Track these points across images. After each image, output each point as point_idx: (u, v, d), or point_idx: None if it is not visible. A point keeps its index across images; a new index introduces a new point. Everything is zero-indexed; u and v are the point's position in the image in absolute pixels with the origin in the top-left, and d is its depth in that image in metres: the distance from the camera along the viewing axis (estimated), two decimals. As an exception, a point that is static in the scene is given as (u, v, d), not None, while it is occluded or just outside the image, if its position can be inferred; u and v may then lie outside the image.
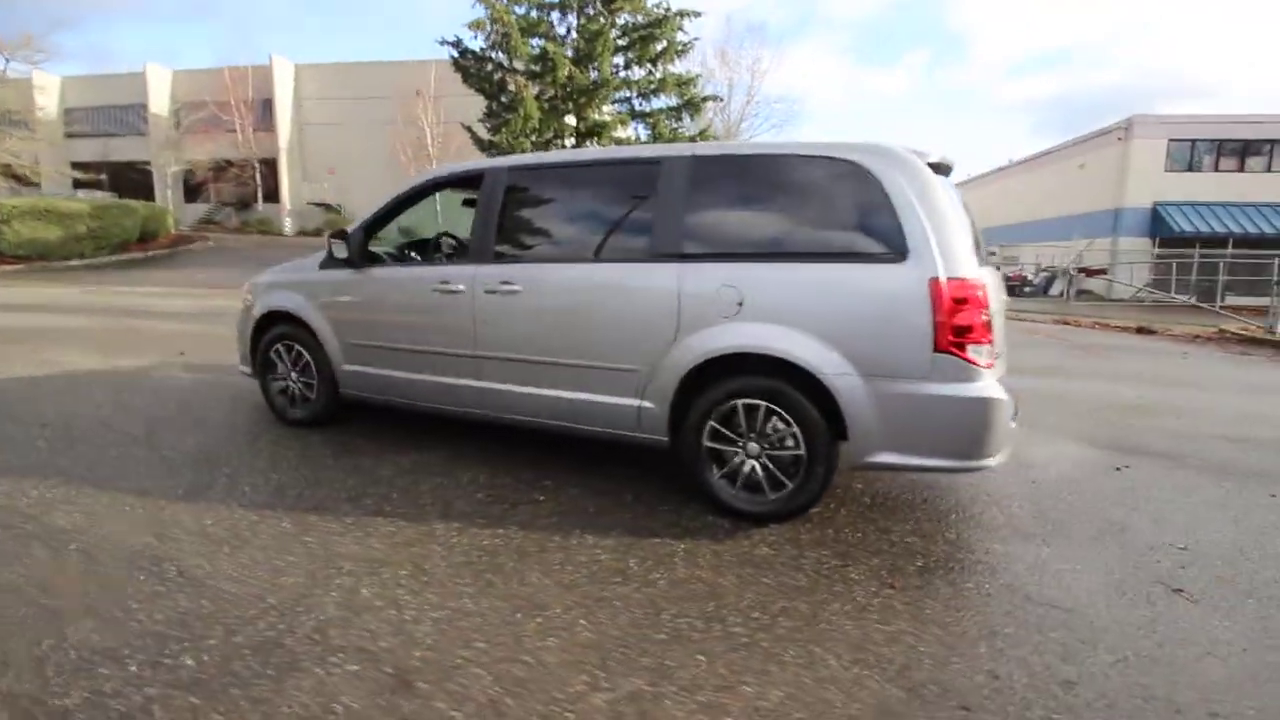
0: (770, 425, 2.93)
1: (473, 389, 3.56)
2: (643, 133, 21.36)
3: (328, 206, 32.11)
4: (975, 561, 2.75)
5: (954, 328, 2.60)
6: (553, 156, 3.49)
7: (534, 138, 19.90)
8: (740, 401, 2.95)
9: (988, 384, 2.65)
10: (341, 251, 3.81)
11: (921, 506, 3.31)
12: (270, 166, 31.88)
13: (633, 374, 3.13)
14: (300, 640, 2.05)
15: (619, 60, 20.65)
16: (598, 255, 3.25)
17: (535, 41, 20.34)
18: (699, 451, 3.06)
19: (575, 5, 19.64)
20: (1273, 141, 22.49)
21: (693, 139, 20.43)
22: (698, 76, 21.10)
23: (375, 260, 3.95)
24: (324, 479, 3.40)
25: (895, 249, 2.70)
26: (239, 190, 31.61)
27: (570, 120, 21.40)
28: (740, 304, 2.89)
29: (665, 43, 20.30)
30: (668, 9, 20.04)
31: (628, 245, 3.21)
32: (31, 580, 2.35)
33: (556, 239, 3.45)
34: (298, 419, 4.25)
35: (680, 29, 20.23)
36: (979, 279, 2.66)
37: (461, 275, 3.52)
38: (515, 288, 3.34)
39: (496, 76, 20.96)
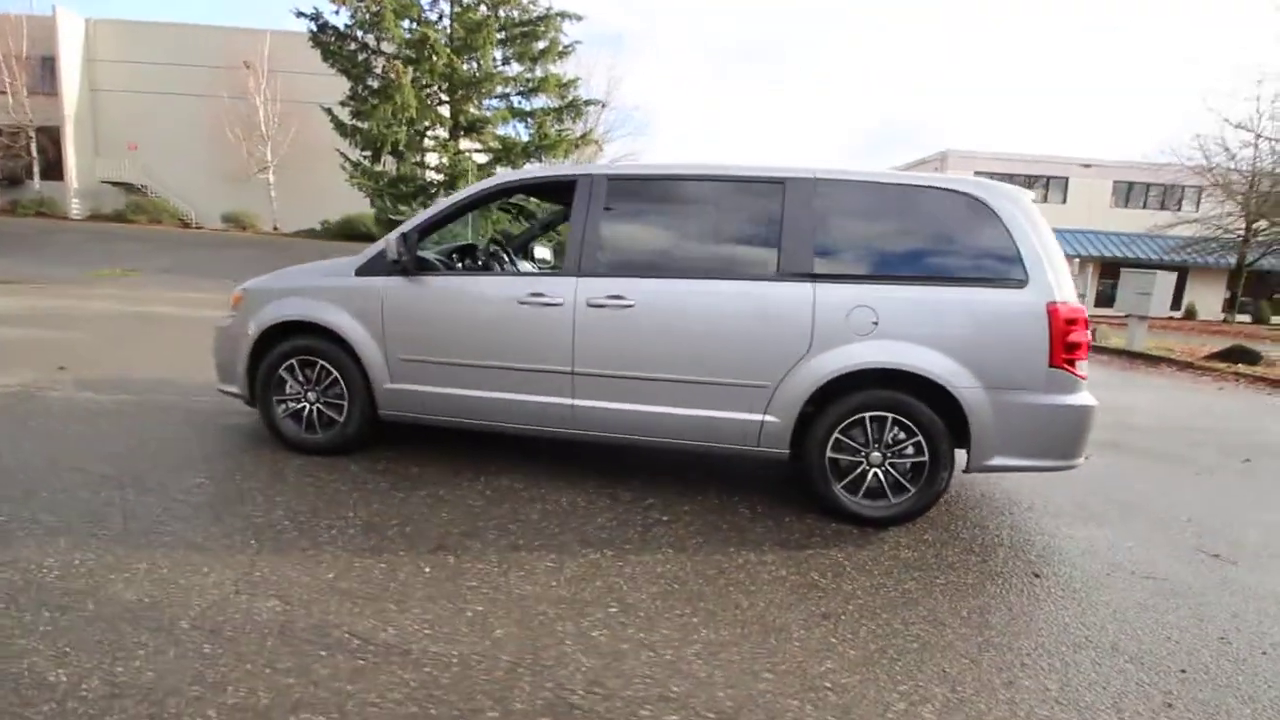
0: (892, 435, 3.14)
1: (564, 407, 3.36)
2: (524, 131, 20.89)
3: (130, 187, 27.44)
4: (1075, 547, 3.16)
5: (1066, 345, 2.98)
6: (659, 168, 3.39)
7: (410, 128, 18.68)
8: (868, 414, 3.12)
9: (1087, 394, 3.07)
10: (394, 254, 3.38)
11: (982, 503, 3.71)
12: (51, 137, 26.57)
13: (759, 390, 3.17)
14: (588, 697, 1.86)
15: (498, 55, 20.01)
16: (720, 272, 3.24)
17: (407, 24, 19.08)
18: (822, 462, 3.18)
19: (450, -9, 18.69)
20: (1048, 177, 27.46)
21: (580, 140, 20.36)
22: (578, 79, 21.05)
23: (427, 267, 3.56)
24: (409, 514, 3.02)
25: (1016, 275, 3.02)
26: (8, 163, 25.89)
27: (445, 111, 20.36)
28: (875, 323, 3.05)
29: (547, 42, 20.02)
30: (549, 8, 19.80)
31: (751, 262, 3.23)
32: (168, 678, 1.86)
33: (669, 253, 3.37)
34: (317, 445, 3.69)
35: (560, 30, 20.07)
36: (1081, 304, 3.07)
37: (560, 288, 3.31)
38: (628, 302, 3.22)
39: (362, 57, 19.36)
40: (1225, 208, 20.52)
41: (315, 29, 18.62)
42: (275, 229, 27.21)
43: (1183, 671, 2.19)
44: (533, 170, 3.53)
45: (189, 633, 2.04)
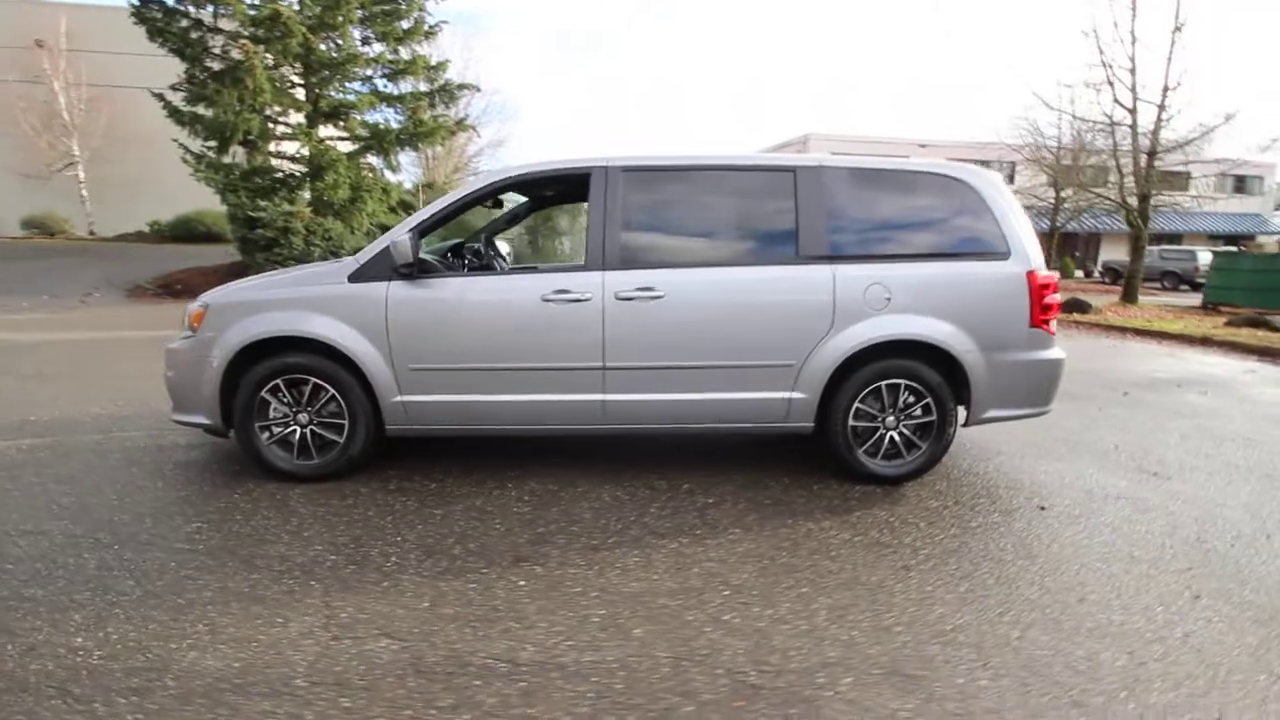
0: (904, 399, 3.44)
1: (595, 403, 3.32)
2: (394, 118, 19.61)
3: (-114, 190, 22.58)
4: (1052, 481, 3.65)
5: (1042, 307, 3.41)
6: (673, 158, 3.38)
7: (264, 114, 16.91)
8: (884, 382, 3.39)
9: (1058, 348, 3.53)
10: (406, 258, 3.14)
11: (962, 452, 4.16)
12: None
13: (787, 369, 3.33)
14: (762, 676, 1.91)
15: (358, 35, 18.57)
16: (742, 259, 3.34)
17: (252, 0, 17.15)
18: (845, 430, 3.41)
19: (296, -37, 17.00)
20: (890, 157, 30.19)
21: (457, 125, 19.43)
22: (448, 62, 20.07)
23: (428, 270, 3.34)
24: (462, 531, 2.87)
25: (999, 248, 3.40)
26: None
27: (301, 95, 18.63)
28: (888, 298, 3.31)
29: (411, 21, 18.85)
30: (410, -16, 18.58)
31: (771, 248, 3.36)
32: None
33: (692, 243, 3.40)
34: (314, 471, 3.37)
35: (425, 9, 18.99)
36: (1050, 271, 3.52)
37: (586, 282, 3.24)
38: (658, 293, 3.23)
39: (196, 35, 17.20)
40: (1038, 179, 23.80)
41: (138, 3, 16.24)
42: (92, 233, 23.61)
43: (1189, 569, 2.65)
44: (541, 163, 3.35)
45: (315, 690, 1.85)
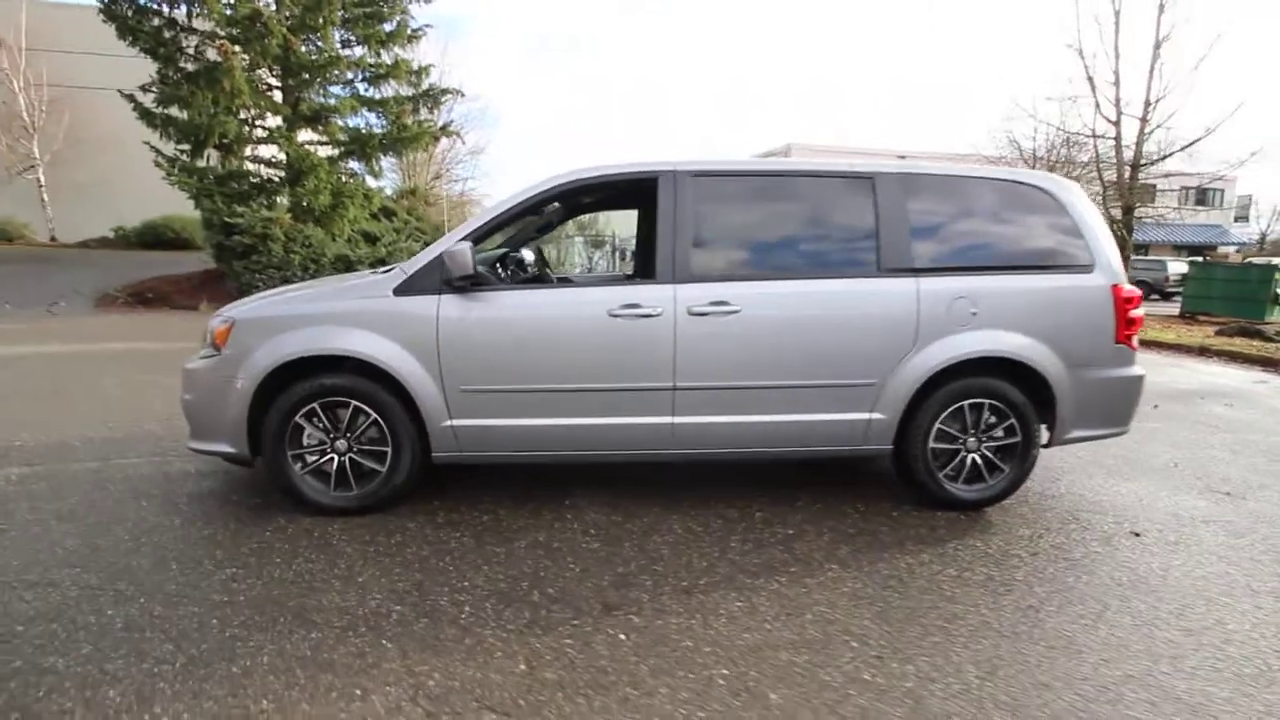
0: (985, 420, 3.25)
1: (663, 427, 3.07)
2: (376, 123, 19.14)
3: None
4: (1130, 502, 3.49)
5: (1127, 321, 3.26)
6: (744, 164, 3.16)
7: (241, 117, 16.37)
8: (966, 402, 3.19)
9: (1139, 365, 3.38)
10: (465, 269, 2.85)
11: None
12: None
13: (867, 388, 3.12)
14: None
15: (338, 37, 18.09)
16: (821, 271, 3.13)
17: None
18: (925, 453, 3.21)
19: (275, -38, 16.50)
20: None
21: (441, 131, 19.02)
22: (431, 66, 19.65)
23: (481, 282, 3.05)
24: (532, 573, 2.59)
25: (1083, 260, 3.24)
26: None
27: (278, 97, 18.08)
28: (974, 313, 3.12)
29: (395, 24, 18.44)
30: (392, -14, 18.19)
31: (851, 260, 3.15)
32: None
33: (769, 254, 3.17)
34: (353, 504, 3.05)
35: (408, 13, 18.60)
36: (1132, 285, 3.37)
37: (656, 296, 2.99)
38: (733, 308, 3.00)
39: (169, 35, 16.59)
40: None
41: (107, 0, 15.57)
42: (54, 239, 22.58)
43: (1317, 602, 2.49)
44: (604, 166, 3.09)
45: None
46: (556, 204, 3.52)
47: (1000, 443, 3.26)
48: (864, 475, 3.79)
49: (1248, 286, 15.61)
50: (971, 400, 3.19)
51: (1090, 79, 15.19)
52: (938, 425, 3.20)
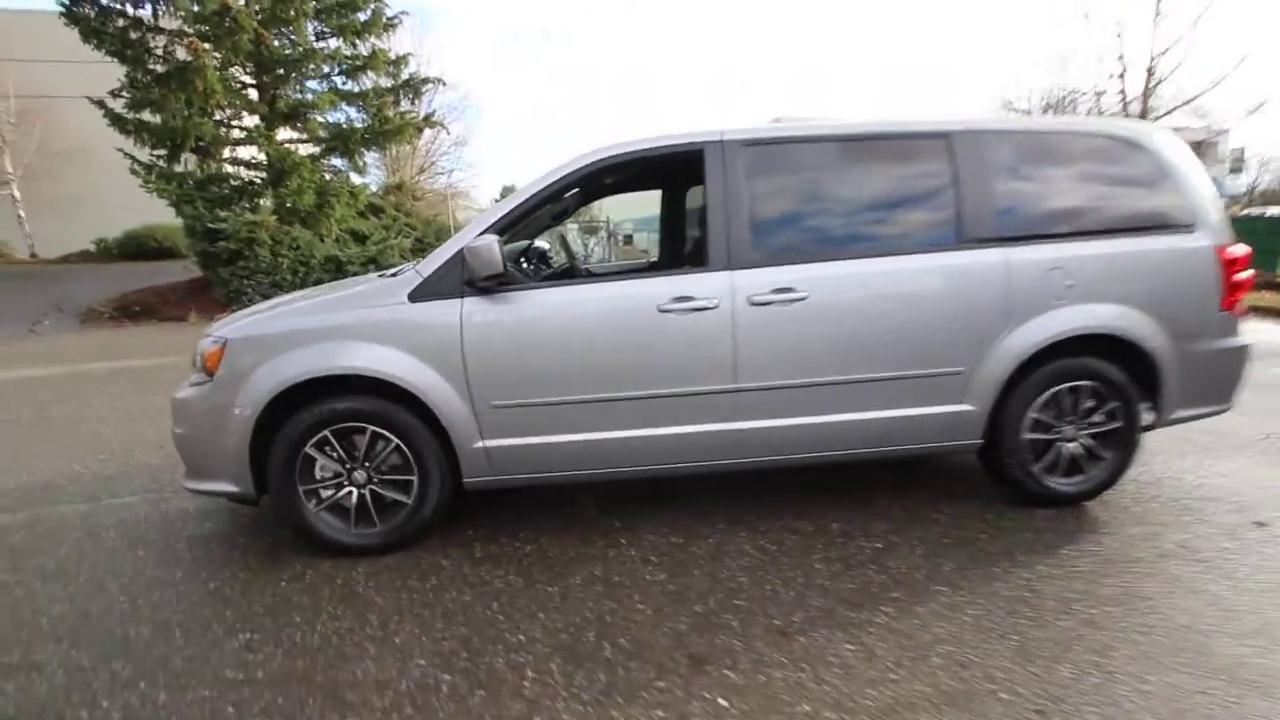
0: (1083, 404, 2.89)
1: (726, 434, 2.70)
2: (355, 115, 18.49)
3: None
4: (1239, 485, 3.14)
5: (1232, 286, 2.89)
6: (800, 129, 2.76)
7: (217, 116, 15.80)
8: (1064, 385, 2.83)
9: (1245, 334, 3.02)
10: (493, 267, 2.46)
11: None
12: None
13: (954, 377, 2.75)
14: None
15: (312, 30, 17.42)
16: (895, 246, 2.74)
17: (192, -6, 15.86)
18: (1019, 445, 2.85)
19: (242, -47, 15.77)
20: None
21: (425, 122, 18.44)
22: (410, 55, 19.00)
23: (508, 280, 2.65)
24: (596, 618, 2.22)
25: (1183, 219, 2.86)
26: None
27: (254, 95, 17.44)
28: (1070, 285, 2.75)
29: (369, 13, 17.75)
30: (367, -26, 17.47)
31: (928, 231, 2.77)
32: None
33: (834, 230, 2.78)
34: (376, 541, 2.68)
35: (384, 1, 17.90)
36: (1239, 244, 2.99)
37: (711, 286, 2.61)
38: (799, 294, 2.61)
39: (136, 35, 15.91)
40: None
41: (67, 3, 14.89)
42: (34, 255, 21.94)
43: None
44: (640, 141, 2.70)
45: None
46: (577, 188, 3.13)
47: (1100, 429, 2.90)
48: (937, 471, 3.44)
49: (1255, 238, 15.31)
50: (1069, 383, 2.83)
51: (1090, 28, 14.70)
52: (1032, 414, 2.84)
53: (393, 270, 2.91)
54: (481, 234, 2.56)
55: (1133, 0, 16.71)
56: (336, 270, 15.03)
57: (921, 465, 3.51)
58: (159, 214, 19.12)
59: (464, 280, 2.56)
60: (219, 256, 14.92)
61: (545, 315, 2.63)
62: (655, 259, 4.88)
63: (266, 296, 11.30)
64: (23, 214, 21.81)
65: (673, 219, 4.18)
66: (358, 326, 2.60)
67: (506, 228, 2.69)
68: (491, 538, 2.83)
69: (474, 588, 2.42)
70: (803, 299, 2.62)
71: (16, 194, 21.68)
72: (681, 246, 4.02)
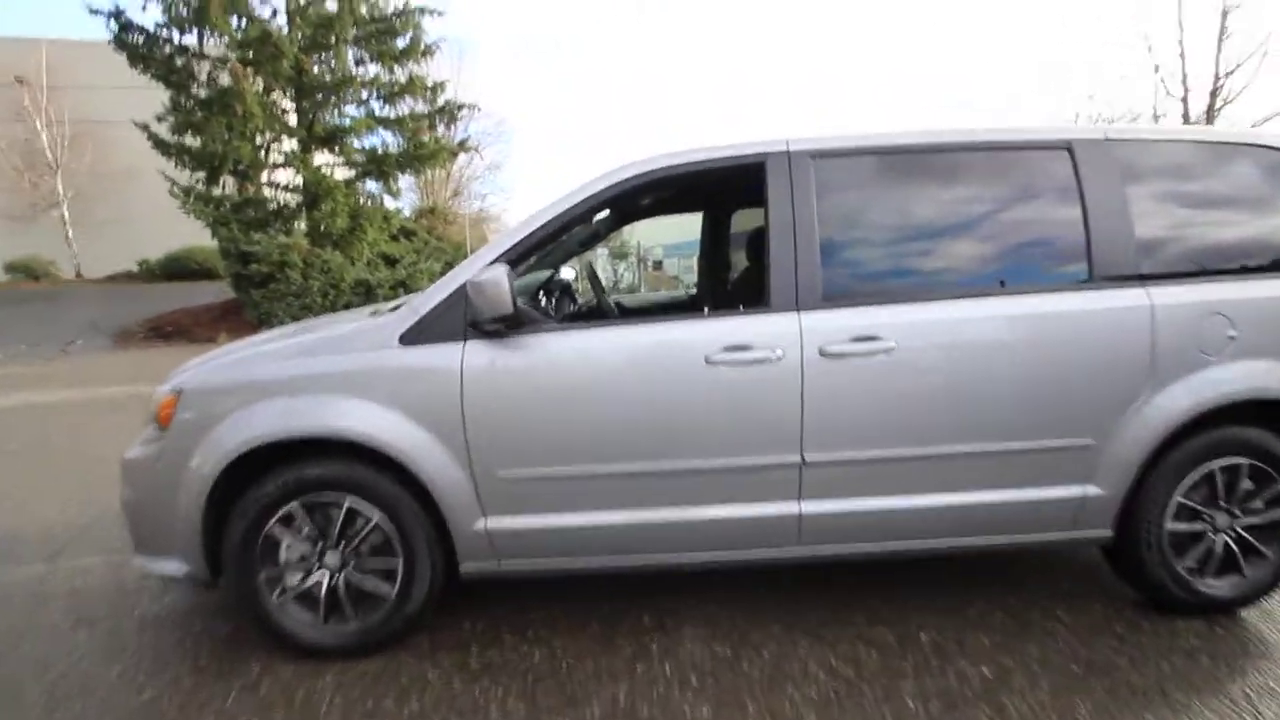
0: (1241, 486, 2.26)
1: (788, 519, 2.14)
2: (393, 141, 18.58)
3: None
4: None
5: None
6: (887, 137, 2.24)
7: (257, 140, 15.96)
8: (1218, 463, 2.21)
9: None
10: (502, 307, 1.96)
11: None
12: None
13: (1080, 451, 2.16)
14: None
15: (352, 55, 17.60)
16: (1004, 284, 2.19)
17: (237, 21, 16.18)
18: (1160, 537, 2.23)
19: (285, -18, 16.03)
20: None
21: (460, 147, 18.44)
22: (447, 81, 19.08)
23: (520, 321, 2.15)
24: None
25: (1372, 252, 2.25)
26: None
27: (293, 121, 17.65)
28: (1232, 335, 2.15)
29: (408, 40, 17.89)
30: (405, 2, 17.65)
31: (1048, 266, 2.22)
32: None
33: (926, 264, 2.24)
34: (351, 642, 2.18)
35: (421, 27, 18.03)
36: None
37: (772, 331, 2.07)
38: (884, 344, 2.07)
39: (181, 62, 16.25)
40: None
41: (117, 30, 15.27)
42: (79, 274, 22.47)
43: None
44: (688, 152, 2.23)
45: None
46: (607, 210, 2.65)
47: (1262, 517, 2.26)
48: (1038, 562, 2.81)
49: None
50: (1225, 460, 2.21)
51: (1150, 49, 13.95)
52: (1178, 498, 2.22)
53: (391, 305, 2.44)
54: (490, 265, 2.07)
55: (1196, 21, 15.90)
56: (366, 294, 14.91)
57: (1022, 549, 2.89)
58: (200, 236, 19.43)
59: (467, 321, 2.08)
60: (251, 279, 14.92)
61: (565, 365, 2.12)
62: (693, 289, 4.36)
63: (296, 319, 11.12)
64: (71, 234, 22.42)
65: (716, 247, 3.66)
66: (337, 376, 2.13)
67: (521, 256, 2.20)
68: (493, 635, 2.30)
69: (463, 717, 1.89)
70: (888, 349, 2.07)
71: (66, 215, 22.31)
72: (725, 280, 3.51)
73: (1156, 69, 14.14)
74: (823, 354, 2.07)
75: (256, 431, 2.06)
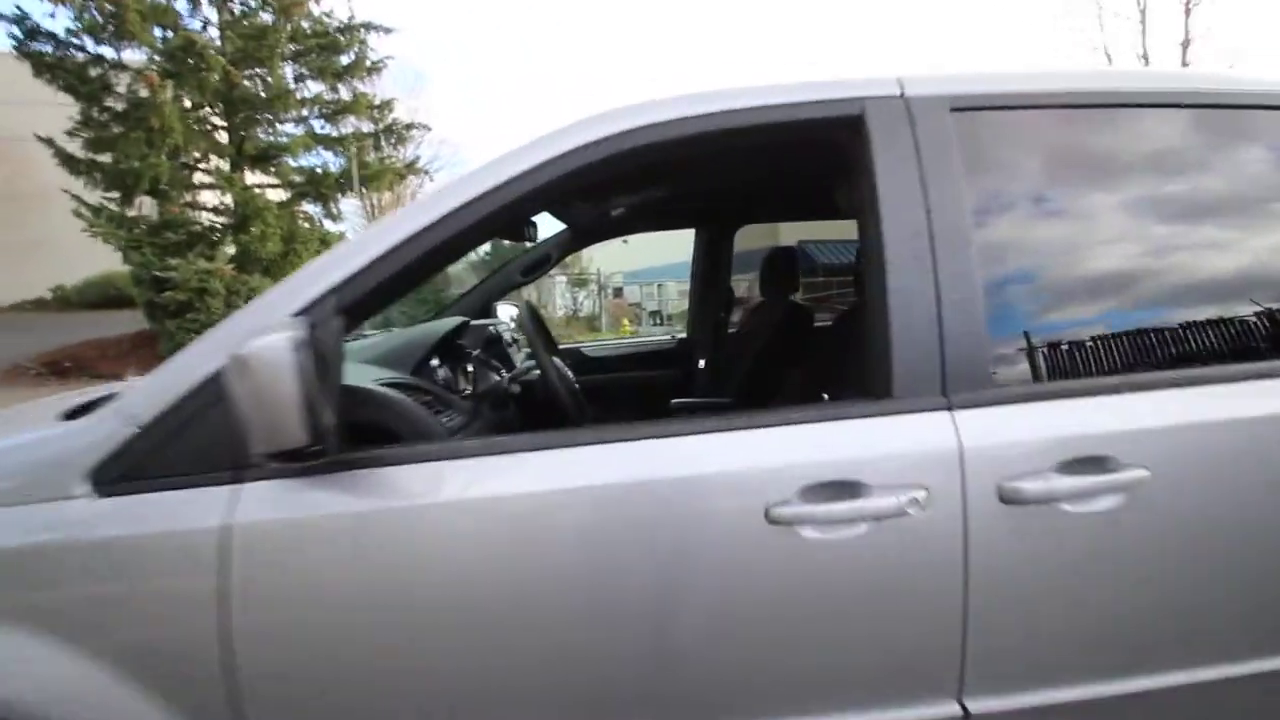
0: None
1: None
2: (334, 161, 17.25)
3: None
4: None
5: None
6: (1084, 76, 1.19)
7: (174, 159, 14.50)
8: None
9: None
10: (285, 425, 0.82)
11: None
12: None
13: None
14: None
15: (289, 71, 16.32)
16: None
17: (160, 32, 14.76)
18: None
19: (218, -7, 14.71)
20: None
21: (406, 168, 17.28)
22: (395, 100, 17.95)
23: (365, 437, 0.99)
24: None
25: None
26: None
27: (224, 138, 16.20)
28: None
29: (352, 57, 16.72)
30: (350, 17, 16.47)
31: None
32: None
33: (1186, 310, 1.21)
34: None
35: (366, 44, 16.89)
36: None
37: (901, 453, 1.00)
38: (1126, 472, 1.01)
39: (95, 72, 14.72)
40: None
41: (20, 37, 13.72)
42: (-14, 303, 20.30)
43: None
44: (720, 94, 1.12)
45: None
46: (545, 201, 1.56)
47: None
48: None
49: None
50: None
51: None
52: None
53: (85, 398, 1.27)
54: (285, 324, 0.92)
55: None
56: (298, 325, 13.49)
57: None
58: (121, 261, 17.66)
59: (231, 446, 0.93)
60: (165, 307, 13.34)
61: (463, 528, 1.00)
62: (669, 322, 3.18)
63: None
64: (-22, 259, 20.30)
65: (708, 271, 2.53)
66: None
67: (366, 298, 1.06)
68: None
69: None
70: (1133, 484, 1.01)
71: (-29, 238, 20.21)
72: (732, 322, 2.41)
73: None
74: (1004, 498, 0.99)
75: None
